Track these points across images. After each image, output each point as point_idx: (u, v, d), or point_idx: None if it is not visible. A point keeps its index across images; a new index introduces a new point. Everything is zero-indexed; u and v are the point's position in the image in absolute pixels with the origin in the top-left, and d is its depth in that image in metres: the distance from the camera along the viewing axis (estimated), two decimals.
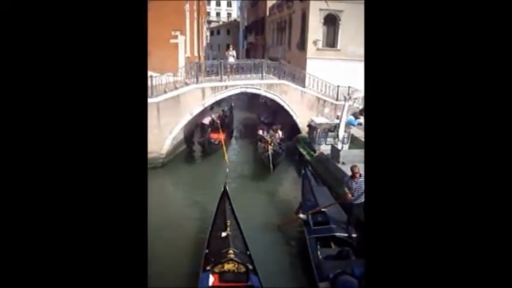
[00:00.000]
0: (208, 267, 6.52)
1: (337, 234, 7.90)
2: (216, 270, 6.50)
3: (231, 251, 6.68)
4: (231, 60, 17.45)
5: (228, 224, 7.60)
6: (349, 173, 10.62)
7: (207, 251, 7.16)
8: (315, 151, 14.55)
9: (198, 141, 16.86)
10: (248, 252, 7.15)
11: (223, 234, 7.36)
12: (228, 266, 6.52)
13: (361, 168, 7.82)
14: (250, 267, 6.57)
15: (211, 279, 6.34)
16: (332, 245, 7.89)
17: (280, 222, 9.41)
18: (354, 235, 7.83)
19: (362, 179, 7.69)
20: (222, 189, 9.04)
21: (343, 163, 11.88)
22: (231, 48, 18.41)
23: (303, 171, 11.00)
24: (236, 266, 6.53)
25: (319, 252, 7.44)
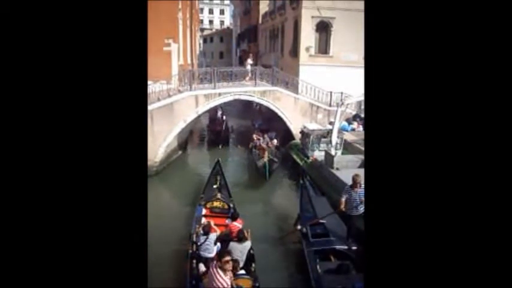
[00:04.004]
0: (202, 203, 9.59)
1: (337, 247, 7.61)
2: (208, 205, 9.55)
3: (218, 194, 9.91)
4: (248, 67, 18.52)
5: (218, 179, 10.94)
6: (343, 178, 10.72)
7: (202, 195, 10.25)
8: (308, 157, 14.58)
9: (216, 129, 19.93)
10: (231, 198, 10.15)
11: (214, 186, 10.63)
12: (216, 203, 9.62)
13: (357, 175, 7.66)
14: (232, 205, 9.54)
15: (204, 211, 9.28)
16: (332, 258, 7.54)
17: (284, 237, 9.10)
18: (354, 248, 7.51)
19: (362, 189, 7.37)
20: (216, 161, 11.93)
21: (337, 169, 11.94)
22: (250, 57, 20.52)
23: (301, 181, 10.64)
24: (222, 203, 9.61)
25: (318, 266, 7.10)
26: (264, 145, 15.40)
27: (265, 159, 13.25)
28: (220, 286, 4.95)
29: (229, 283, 5.06)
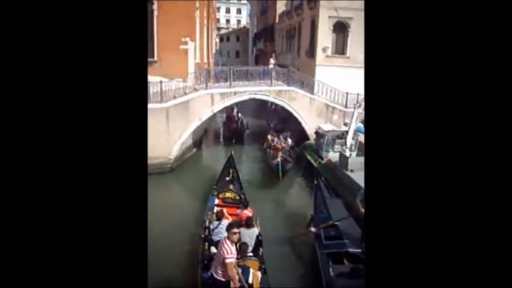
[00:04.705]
0: (215, 193, 10.28)
1: (351, 250, 7.40)
2: (221, 196, 10.23)
3: (231, 186, 10.59)
4: (271, 67, 18.98)
5: (231, 172, 11.56)
6: (358, 180, 10.62)
7: (215, 186, 10.92)
8: (322, 158, 14.50)
9: (231, 126, 20.79)
10: (242, 190, 10.79)
11: (227, 178, 11.28)
12: (228, 194, 10.29)
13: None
14: (243, 196, 10.15)
15: (217, 201, 9.92)
16: (345, 261, 7.34)
17: (297, 237, 9.01)
18: None
19: None
20: (229, 155, 12.38)
21: (351, 170, 11.83)
22: (273, 56, 21.21)
23: (315, 181, 10.48)
24: (233, 194, 10.28)
25: (330, 269, 6.93)
26: (278, 145, 15.36)
27: (279, 158, 13.23)
28: (225, 253, 5.49)
29: (234, 252, 5.64)
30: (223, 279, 5.63)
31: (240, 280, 5.74)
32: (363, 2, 19.60)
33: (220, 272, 5.61)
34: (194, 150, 17.40)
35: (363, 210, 7.33)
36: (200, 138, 18.78)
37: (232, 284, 5.74)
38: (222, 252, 5.54)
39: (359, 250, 7.37)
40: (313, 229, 8.36)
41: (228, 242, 5.60)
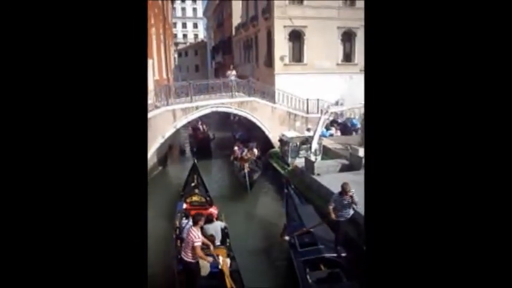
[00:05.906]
0: (182, 199, 10.95)
1: (326, 255, 7.46)
2: (188, 200, 10.83)
3: (196, 190, 11.36)
4: (232, 78, 18.74)
5: (195, 177, 12.25)
6: (325, 183, 10.80)
7: (182, 193, 11.61)
8: (288, 165, 14.64)
9: (198, 137, 21.02)
10: (207, 193, 11.54)
11: (192, 184, 11.94)
12: (194, 198, 10.96)
13: (338, 181, 7.61)
14: (209, 199, 10.95)
15: (185, 205, 10.39)
16: (321, 267, 7.37)
17: (266, 244, 8.98)
18: (344, 255, 7.37)
19: (350, 195, 7.26)
20: (193, 163, 13.20)
21: (318, 174, 12.02)
22: (231, 67, 20.74)
23: (285, 190, 10.49)
24: (199, 197, 11.01)
25: (308, 277, 6.96)
26: (245, 156, 15.34)
27: (246, 170, 13.24)
28: (193, 237, 6.17)
29: (201, 236, 6.32)
30: (192, 261, 6.38)
31: (211, 263, 6.69)
32: (316, 10, 20.34)
33: (189, 255, 6.32)
34: (160, 168, 17.13)
35: (333, 216, 7.46)
36: (165, 155, 18.53)
37: (203, 271, 6.71)
38: (190, 237, 6.24)
39: (334, 255, 7.45)
40: (287, 238, 8.34)
41: (194, 229, 6.32)
